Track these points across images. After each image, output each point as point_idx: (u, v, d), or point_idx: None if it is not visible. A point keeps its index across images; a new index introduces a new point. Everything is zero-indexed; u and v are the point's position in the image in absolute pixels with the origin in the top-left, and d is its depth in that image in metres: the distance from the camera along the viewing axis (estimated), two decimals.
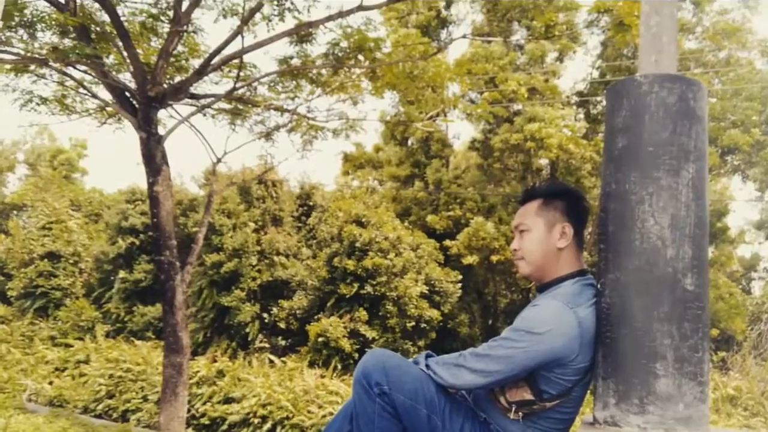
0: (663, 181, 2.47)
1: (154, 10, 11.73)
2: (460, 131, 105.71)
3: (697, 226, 2.47)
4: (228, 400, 15.41)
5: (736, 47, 25.60)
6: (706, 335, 2.46)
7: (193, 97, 12.56)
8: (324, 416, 14.19)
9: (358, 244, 21.58)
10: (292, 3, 11.16)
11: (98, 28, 11.05)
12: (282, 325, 22.72)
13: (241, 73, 12.12)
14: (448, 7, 28.72)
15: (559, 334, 2.63)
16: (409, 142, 30.75)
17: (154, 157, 11.03)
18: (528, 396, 2.77)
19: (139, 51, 11.49)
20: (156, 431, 11.87)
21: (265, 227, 25.19)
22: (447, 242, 24.71)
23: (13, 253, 28.02)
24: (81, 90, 12.87)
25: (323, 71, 13.32)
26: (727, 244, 29.20)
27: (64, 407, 15.63)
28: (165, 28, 11.94)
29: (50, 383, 18.06)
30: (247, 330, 22.92)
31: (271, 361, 19.92)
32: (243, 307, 22.89)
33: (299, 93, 13.74)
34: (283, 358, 20.29)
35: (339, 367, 19.52)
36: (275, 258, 24.23)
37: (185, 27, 11.34)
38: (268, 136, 14.88)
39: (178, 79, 12.95)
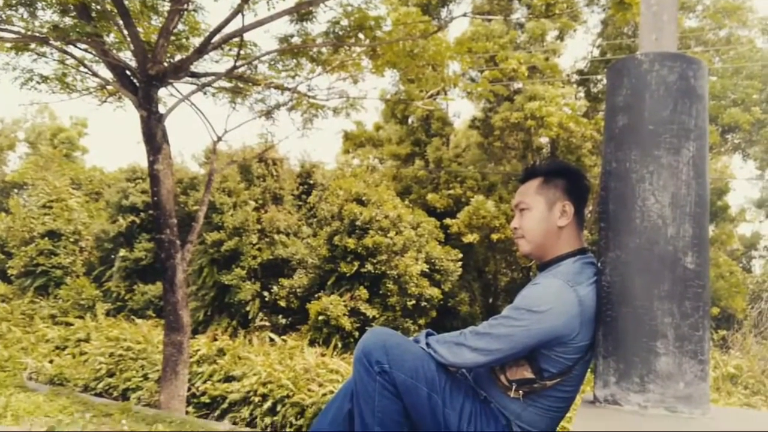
0: (663, 159, 2.47)
1: None
2: (461, 110, 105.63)
3: (697, 205, 2.47)
4: (228, 379, 15.42)
5: (736, 25, 25.55)
6: (706, 314, 2.46)
7: (194, 75, 12.57)
8: (324, 394, 14.21)
9: (358, 223, 21.57)
10: None
11: (99, 7, 11.05)
12: (282, 303, 22.74)
13: (242, 52, 12.12)
14: None
15: (559, 312, 2.64)
16: (410, 121, 30.70)
17: (154, 136, 11.04)
18: (528, 374, 2.78)
19: (140, 29, 11.50)
20: (156, 409, 11.90)
21: (266, 206, 25.18)
22: (447, 221, 24.70)
23: (14, 231, 28.01)
24: (81, 68, 12.90)
25: (324, 50, 13.32)
26: (728, 222, 29.24)
27: (64, 386, 15.63)
28: (165, 6, 11.95)
29: (51, 362, 18.07)
30: (248, 308, 22.94)
31: (272, 340, 19.94)
32: (243, 286, 22.90)
33: (299, 71, 13.76)
34: (284, 337, 20.31)
35: (339, 345, 19.55)
36: (275, 236, 24.22)
37: (186, 5, 11.34)
38: (268, 114, 14.89)
39: (178, 57, 12.96)
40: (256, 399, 14.54)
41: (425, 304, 21.90)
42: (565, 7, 25.35)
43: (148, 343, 17.29)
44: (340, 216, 22.39)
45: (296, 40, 12.72)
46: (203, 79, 12.84)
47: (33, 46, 11.92)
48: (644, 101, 2.54)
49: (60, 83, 13.08)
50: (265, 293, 23.16)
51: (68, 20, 11.19)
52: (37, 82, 12.65)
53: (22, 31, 10.95)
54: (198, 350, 16.28)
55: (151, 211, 16.13)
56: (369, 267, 21.15)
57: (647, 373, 2.40)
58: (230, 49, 12.93)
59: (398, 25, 13.08)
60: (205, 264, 23.75)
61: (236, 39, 11.78)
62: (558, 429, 2.94)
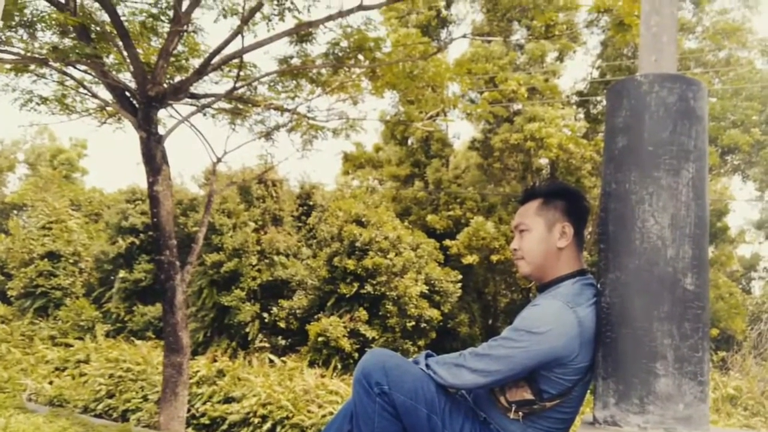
0: (663, 180, 2.47)
1: (154, 10, 11.75)
2: (460, 131, 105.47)
3: (697, 226, 2.47)
4: (228, 400, 15.41)
5: (736, 47, 25.61)
6: (706, 335, 2.46)
7: (193, 96, 12.56)
8: (324, 416, 14.19)
9: (358, 244, 21.58)
10: (292, 3, 11.18)
11: (98, 28, 11.07)
12: (282, 324, 22.72)
13: (241, 73, 12.12)
14: (448, 6, 28.73)
15: (559, 333, 2.63)
16: (409, 142, 30.75)
17: (154, 157, 11.04)
18: (528, 396, 2.77)
19: (139, 51, 11.50)
20: (156, 431, 11.87)
21: (265, 227, 25.18)
22: (447, 242, 24.71)
23: (13, 252, 27.99)
24: (81, 89, 12.89)
25: (323, 71, 13.33)
26: (727, 243, 29.25)
27: (64, 407, 15.61)
28: (165, 27, 11.95)
29: (50, 383, 18.05)
30: (247, 329, 22.92)
31: (271, 361, 19.93)
32: (243, 307, 22.89)
33: (299, 92, 13.76)
34: (283, 358, 20.30)
35: (339, 366, 19.53)
36: (275, 257, 24.22)
37: (185, 27, 11.35)
38: (268, 135, 14.89)
39: (178, 78, 12.96)
40: (256, 420, 14.52)
41: (425, 325, 21.88)
42: (565, 29, 25.41)
43: (148, 364, 17.27)
44: (340, 237, 22.41)
45: (296, 61, 12.73)
46: (203, 101, 12.85)
47: (32, 67, 11.91)
48: (644, 122, 2.55)
49: (59, 104, 13.08)
50: (265, 314, 23.15)
51: (68, 41, 11.19)
52: (37, 104, 12.64)
53: (22, 52, 10.95)
54: (198, 371, 16.27)
55: (150, 233, 16.12)
56: (368, 288, 21.16)
57: (647, 395, 2.39)
58: (230, 71, 12.94)
59: (398, 47, 13.10)
60: (204, 285, 23.75)
61: (236, 60, 11.79)
62: None
